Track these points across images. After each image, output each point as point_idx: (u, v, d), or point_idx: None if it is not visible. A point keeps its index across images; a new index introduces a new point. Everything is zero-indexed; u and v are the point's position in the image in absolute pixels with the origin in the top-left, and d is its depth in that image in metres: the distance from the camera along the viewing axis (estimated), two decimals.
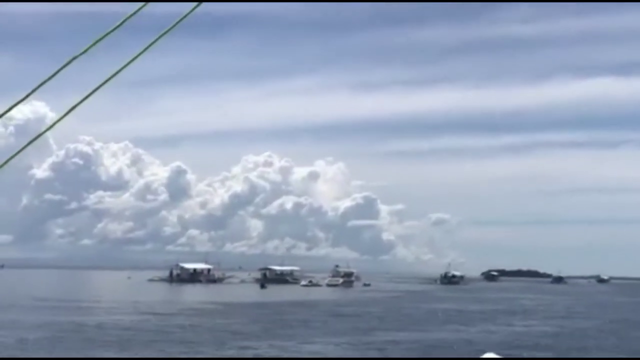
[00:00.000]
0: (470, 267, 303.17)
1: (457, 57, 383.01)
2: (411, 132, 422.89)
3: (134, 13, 4.04)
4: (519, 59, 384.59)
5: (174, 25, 4.22)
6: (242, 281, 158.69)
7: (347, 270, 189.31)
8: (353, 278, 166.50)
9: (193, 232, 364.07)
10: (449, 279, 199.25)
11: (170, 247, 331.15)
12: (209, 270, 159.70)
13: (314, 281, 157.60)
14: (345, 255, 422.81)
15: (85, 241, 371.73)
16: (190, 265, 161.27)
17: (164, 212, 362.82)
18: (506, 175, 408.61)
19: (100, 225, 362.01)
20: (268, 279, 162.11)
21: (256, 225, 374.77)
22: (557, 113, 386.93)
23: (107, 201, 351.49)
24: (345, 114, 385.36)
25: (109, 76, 4.11)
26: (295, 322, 59.77)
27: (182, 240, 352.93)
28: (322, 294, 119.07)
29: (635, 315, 76.76)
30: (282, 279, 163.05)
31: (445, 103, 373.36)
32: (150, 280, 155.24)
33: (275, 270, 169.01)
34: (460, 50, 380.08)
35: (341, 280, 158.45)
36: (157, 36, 4.13)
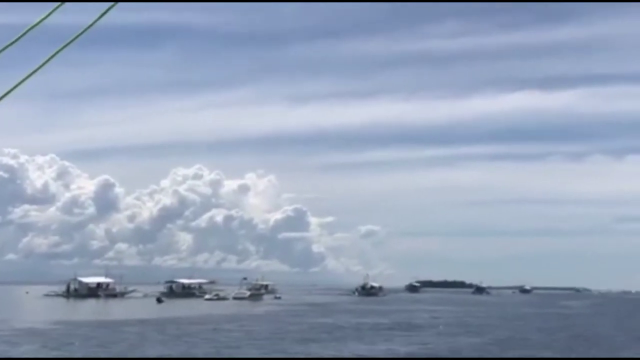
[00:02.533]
0: (400, 278, 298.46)
1: (387, 71, 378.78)
2: (341, 145, 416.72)
3: (50, 13, 4.00)
4: (446, 73, 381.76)
5: (89, 27, 4.22)
6: (145, 295, 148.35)
7: (261, 282, 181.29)
8: (262, 291, 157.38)
9: (121, 245, 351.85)
10: (367, 291, 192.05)
11: (97, 261, 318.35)
12: (107, 284, 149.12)
13: (222, 295, 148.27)
14: (276, 268, 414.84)
15: (10, 256, 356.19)
16: (88, 280, 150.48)
17: (91, 226, 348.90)
18: (434, 187, 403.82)
19: (25, 240, 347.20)
20: (174, 292, 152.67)
21: (186, 239, 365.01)
22: (484, 126, 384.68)
23: (32, 215, 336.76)
24: (277, 127, 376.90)
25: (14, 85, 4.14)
26: (138, 340, 51.14)
27: (110, 254, 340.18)
28: (219, 308, 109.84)
29: (525, 331, 69.12)
30: (188, 292, 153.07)
31: (374, 116, 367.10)
32: (47, 295, 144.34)
33: (182, 284, 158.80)
34: (389, 65, 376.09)
35: (248, 293, 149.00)
36: (70, 39, 4.08)
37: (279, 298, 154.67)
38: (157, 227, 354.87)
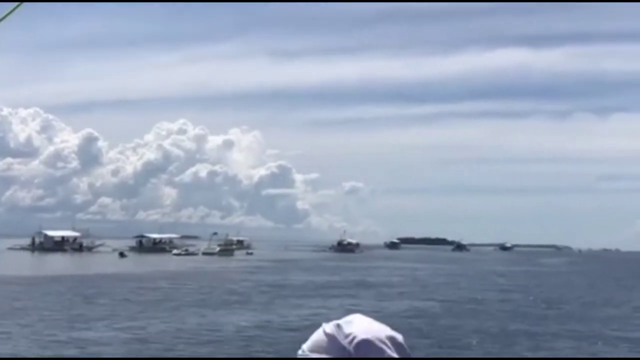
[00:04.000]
0: (383, 234, 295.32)
1: (374, 27, 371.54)
2: (326, 102, 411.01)
3: None
4: (434, 30, 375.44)
5: None
6: (115, 250, 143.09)
7: (236, 238, 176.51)
8: (234, 246, 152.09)
9: (105, 200, 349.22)
10: (343, 247, 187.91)
11: (80, 215, 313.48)
12: (75, 238, 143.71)
13: (192, 250, 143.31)
14: (260, 224, 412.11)
15: None
16: (54, 233, 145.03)
17: (74, 180, 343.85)
18: (419, 145, 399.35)
19: (8, 193, 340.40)
20: (144, 247, 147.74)
21: (170, 194, 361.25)
22: (469, 84, 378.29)
23: (15, 168, 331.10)
24: (261, 83, 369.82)
25: None
26: (78, 298, 46.06)
27: (94, 208, 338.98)
28: (178, 263, 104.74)
29: (485, 291, 64.04)
30: (158, 247, 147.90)
31: (360, 72, 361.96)
32: (11, 248, 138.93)
33: (152, 239, 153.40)
34: (377, 20, 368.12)
35: (218, 248, 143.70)
36: None
37: (251, 254, 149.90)
38: (140, 182, 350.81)
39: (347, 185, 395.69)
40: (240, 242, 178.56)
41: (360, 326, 2.25)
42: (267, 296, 51.92)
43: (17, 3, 3.59)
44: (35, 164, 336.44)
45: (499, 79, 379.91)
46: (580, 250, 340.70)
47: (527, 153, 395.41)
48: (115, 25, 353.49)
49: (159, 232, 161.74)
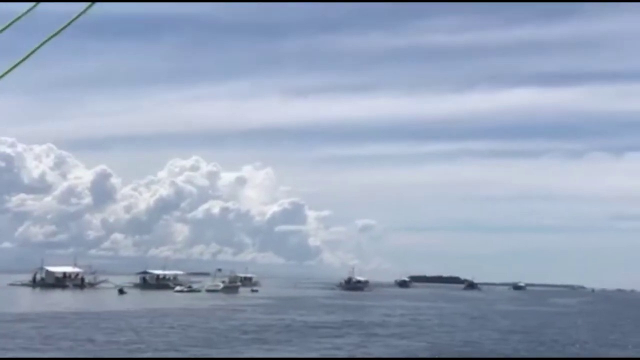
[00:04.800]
0: (395, 272, 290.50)
1: (386, 65, 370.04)
2: (339, 139, 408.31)
3: (26, 12, 4.10)
4: (446, 68, 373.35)
5: (67, 25, 4.27)
6: (117, 287, 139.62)
7: (242, 275, 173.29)
8: (239, 283, 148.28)
9: (117, 236, 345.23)
10: (352, 285, 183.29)
11: (93, 252, 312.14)
12: (77, 274, 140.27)
13: (196, 287, 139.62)
14: (272, 261, 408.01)
15: (6, 244, 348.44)
16: (56, 269, 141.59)
17: (87, 216, 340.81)
18: (432, 183, 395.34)
19: (21, 229, 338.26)
20: (147, 283, 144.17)
21: (182, 230, 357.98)
22: (482, 122, 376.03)
23: (29, 204, 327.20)
24: (275, 119, 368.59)
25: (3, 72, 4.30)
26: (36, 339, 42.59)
27: (106, 244, 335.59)
28: (176, 301, 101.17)
29: (480, 333, 60.06)
30: (161, 284, 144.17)
31: (372, 110, 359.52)
32: (12, 284, 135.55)
33: (155, 275, 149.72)
34: (389, 58, 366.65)
35: (222, 285, 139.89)
36: (47, 37, 4.17)
37: (256, 291, 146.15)
38: (153, 218, 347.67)
39: (360, 222, 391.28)
40: (248, 278, 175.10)
41: None
42: (244, 338, 48.15)
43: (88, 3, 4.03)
44: (48, 200, 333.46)
45: (511, 117, 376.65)
46: (593, 290, 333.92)
47: (540, 192, 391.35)
48: (129, 62, 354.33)
49: (165, 269, 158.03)
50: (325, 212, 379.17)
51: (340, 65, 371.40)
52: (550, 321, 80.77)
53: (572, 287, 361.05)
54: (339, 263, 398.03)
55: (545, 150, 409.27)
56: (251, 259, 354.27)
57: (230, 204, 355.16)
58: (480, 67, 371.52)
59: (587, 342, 54.54)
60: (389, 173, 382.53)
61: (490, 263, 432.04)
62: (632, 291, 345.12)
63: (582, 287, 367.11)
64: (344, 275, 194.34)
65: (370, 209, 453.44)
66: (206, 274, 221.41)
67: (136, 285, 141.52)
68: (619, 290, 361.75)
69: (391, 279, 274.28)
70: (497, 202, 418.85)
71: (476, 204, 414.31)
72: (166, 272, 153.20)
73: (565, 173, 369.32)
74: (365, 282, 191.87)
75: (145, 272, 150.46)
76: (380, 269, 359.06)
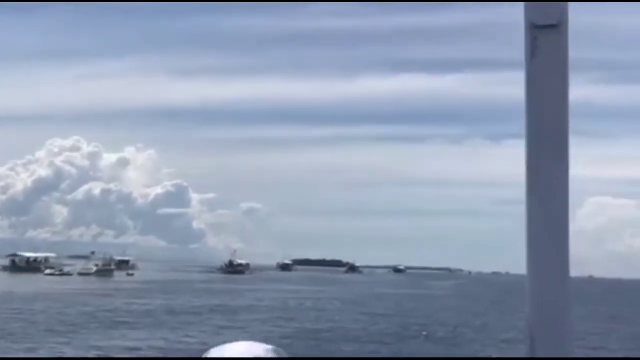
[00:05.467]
0: (280, 256, 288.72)
1: (274, 48, 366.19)
2: (226, 121, 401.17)
3: None
4: (334, 53, 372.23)
5: None
6: None
7: (122, 258, 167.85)
8: (113, 266, 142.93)
9: None
10: (233, 268, 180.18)
11: None
12: None
13: (68, 270, 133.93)
14: (154, 244, 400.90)
15: None
16: None
17: None
18: (318, 167, 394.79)
19: None
20: (17, 266, 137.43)
21: (61, 212, 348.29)
22: (368, 107, 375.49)
23: None
24: (159, 100, 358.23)
25: None
26: None
27: None
28: (50, 285, 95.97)
29: (358, 318, 58.33)
30: (32, 267, 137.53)
31: (259, 93, 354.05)
32: None
33: (26, 257, 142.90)
34: (277, 41, 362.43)
35: (94, 268, 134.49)
36: None
37: (132, 275, 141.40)
38: (31, 199, 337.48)
39: (245, 206, 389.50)
40: (124, 262, 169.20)
41: (239, 348, 2.19)
42: (92, 326, 44.73)
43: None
44: None
45: (397, 103, 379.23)
46: (470, 273, 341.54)
47: (422, 177, 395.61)
48: (6, 39, 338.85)
49: (38, 251, 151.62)
50: (210, 195, 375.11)
51: (227, 47, 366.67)
52: (422, 305, 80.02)
53: (450, 270, 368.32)
54: (223, 246, 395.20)
55: (428, 136, 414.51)
56: (133, 241, 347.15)
57: (112, 186, 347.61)
58: (366, 52, 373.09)
59: (454, 326, 53.49)
60: (275, 157, 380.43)
61: (372, 246, 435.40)
62: (507, 274, 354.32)
63: (460, 270, 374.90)
64: (226, 259, 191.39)
65: (255, 192, 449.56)
66: (85, 257, 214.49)
67: (5, 268, 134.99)
68: (495, 273, 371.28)
69: (275, 262, 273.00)
70: (380, 186, 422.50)
71: (360, 188, 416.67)
72: (38, 254, 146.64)
73: (446, 159, 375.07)
74: (247, 266, 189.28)
75: (15, 255, 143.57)
76: (264, 252, 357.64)
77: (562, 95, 1.73)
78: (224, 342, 2.08)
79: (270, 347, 2.23)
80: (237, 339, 2.10)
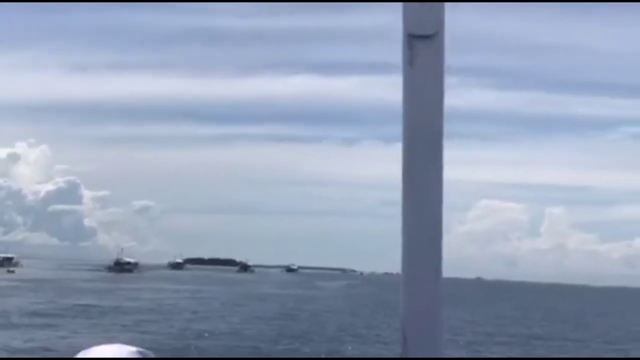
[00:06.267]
0: (173, 254, 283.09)
1: (172, 45, 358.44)
2: (120, 117, 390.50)
3: None
4: (231, 52, 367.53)
5: None
6: None
7: (5, 255, 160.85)
8: None
9: None
10: (120, 267, 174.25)
11: None
12: None
13: None
14: (45, 241, 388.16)
15: None
16: None
17: None
18: (212, 165, 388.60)
19: None
20: None
21: None
22: (263, 107, 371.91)
23: None
24: (53, 95, 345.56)
25: None
26: None
27: None
28: None
29: (232, 320, 55.40)
30: None
31: (155, 90, 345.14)
32: None
33: None
34: (175, 38, 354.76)
35: None
36: None
37: (12, 272, 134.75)
38: None
39: (138, 203, 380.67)
40: (8, 259, 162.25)
41: (105, 350, 2.16)
42: None
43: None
44: None
45: (292, 104, 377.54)
46: (362, 273, 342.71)
47: (317, 177, 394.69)
48: None
49: None
50: (103, 192, 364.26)
51: (123, 43, 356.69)
52: (307, 306, 77.54)
53: (343, 270, 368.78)
54: (115, 245, 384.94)
55: (322, 137, 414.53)
56: (22, 238, 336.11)
57: (1, 181, 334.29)
58: (263, 52, 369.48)
59: (333, 328, 51.17)
60: (170, 154, 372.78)
61: (267, 246, 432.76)
62: (398, 274, 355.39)
63: (353, 271, 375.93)
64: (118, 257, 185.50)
65: (149, 190, 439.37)
66: None
67: None
68: (386, 274, 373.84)
69: (167, 261, 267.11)
70: (275, 186, 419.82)
71: (255, 187, 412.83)
72: None
73: (339, 159, 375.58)
74: (135, 264, 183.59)
75: None
76: (157, 251, 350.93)
77: (437, 102, 1.74)
78: (83, 344, 2.11)
79: (135, 349, 2.20)
80: (98, 341, 2.06)
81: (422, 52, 1.70)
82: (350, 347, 42.63)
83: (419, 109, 1.72)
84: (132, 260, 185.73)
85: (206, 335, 43.61)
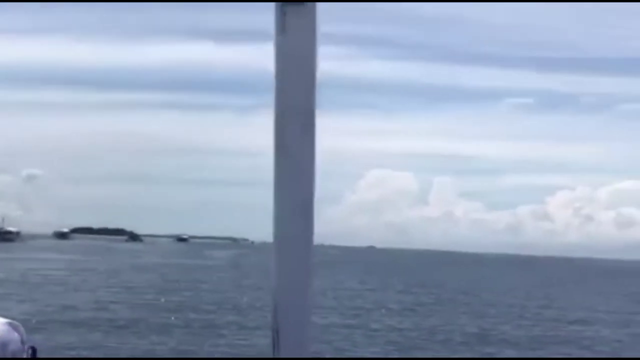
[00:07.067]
0: (62, 224, 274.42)
1: (57, 9, 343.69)
2: (6, 83, 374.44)
3: None
4: (122, 17, 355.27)
5: None
6: None
7: None
8: None
9: None
10: (1, 235, 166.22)
11: None
12: None
13: None
14: None
15: None
16: None
17: None
18: (103, 133, 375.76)
19: None
20: None
21: None
22: (157, 74, 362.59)
23: None
24: None
25: None
26: None
27: None
28: None
29: (99, 293, 51.69)
30: None
31: (42, 55, 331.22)
32: None
33: None
34: (60, 2, 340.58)
35: None
36: None
37: None
38: None
39: (25, 172, 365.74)
40: None
41: None
42: None
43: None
44: None
45: (185, 71, 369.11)
46: (253, 242, 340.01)
47: (212, 146, 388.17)
48: None
49: None
50: None
51: (7, 7, 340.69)
52: (189, 276, 74.11)
53: (234, 240, 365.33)
54: (0, 214, 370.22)
55: (218, 105, 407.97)
56: None
57: None
58: (154, 18, 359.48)
59: (212, 300, 48.15)
60: (59, 122, 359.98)
61: (158, 215, 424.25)
62: None
63: (245, 240, 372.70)
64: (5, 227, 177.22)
65: (37, 158, 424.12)
66: None
67: None
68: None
69: (53, 230, 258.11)
70: (167, 154, 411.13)
71: (146, 156, 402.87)
72: None
73: (234, 128, 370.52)
74: (17, 233, 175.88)
75: None
76: (44, 220, 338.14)
77: (309, 70, 1.72)
78: None
79: (4, 320, 2.26)
80: None
81: (294, 18, 1.66)
82: (227, 319, 39.94)
83: (290, 76, 1.69)
84: (14, 229, 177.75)
85: (68, 309, 39.91)
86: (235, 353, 30.50)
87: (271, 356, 1.70)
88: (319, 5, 1.74)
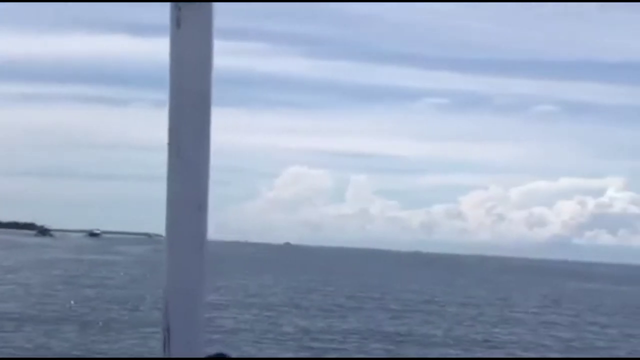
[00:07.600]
0: None
1: None
2: None
3: None
4: (35, 7, 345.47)
5: None
6: None
7: None
8: None
9: None
10: None
11: None
12: None
13: None
14: None
15: None
16: None
17: None
18: (13, 125, 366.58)
19: None
20: None
21: None
22: (69, 66, 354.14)
23: None
24: None
25: None
26: None
27: None
28: None
29: None
30: None
31: None
32: None
33: None
34: None
35: None
36: None
37: None
38: None
39: None
40: None
41: None
42: None
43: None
44: None
45: (99, 64, 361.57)
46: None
47: (126, 140, 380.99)
48: None
49: None
50: None
51: None
52: (95, 272, 71.75)
53: (149, 236, 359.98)
54: None
55: (132, 99, 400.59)
56: None
57: None
58: (74, 9, 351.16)
59: (110, 298, 46.31)
60: None
61: (70, 210, 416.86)
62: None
63: (160, 236, 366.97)
64: None
65: None
66: None
67: None
68: None
69: None
70: (79, 148, 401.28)
71: (57, 150, 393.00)
72: None
73: (148, 122, 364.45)
74: None
75: None
76: None
77: (205, 65, 1.72)
78: None
79: None
80: None
81: (190, 14, 1.62)
82: (124, 317, 38.28)
83: (185, 71, 1.66)
84: None
85: None
86: (127, 353, 29.08)
87: (162, 356, 1.61)
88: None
